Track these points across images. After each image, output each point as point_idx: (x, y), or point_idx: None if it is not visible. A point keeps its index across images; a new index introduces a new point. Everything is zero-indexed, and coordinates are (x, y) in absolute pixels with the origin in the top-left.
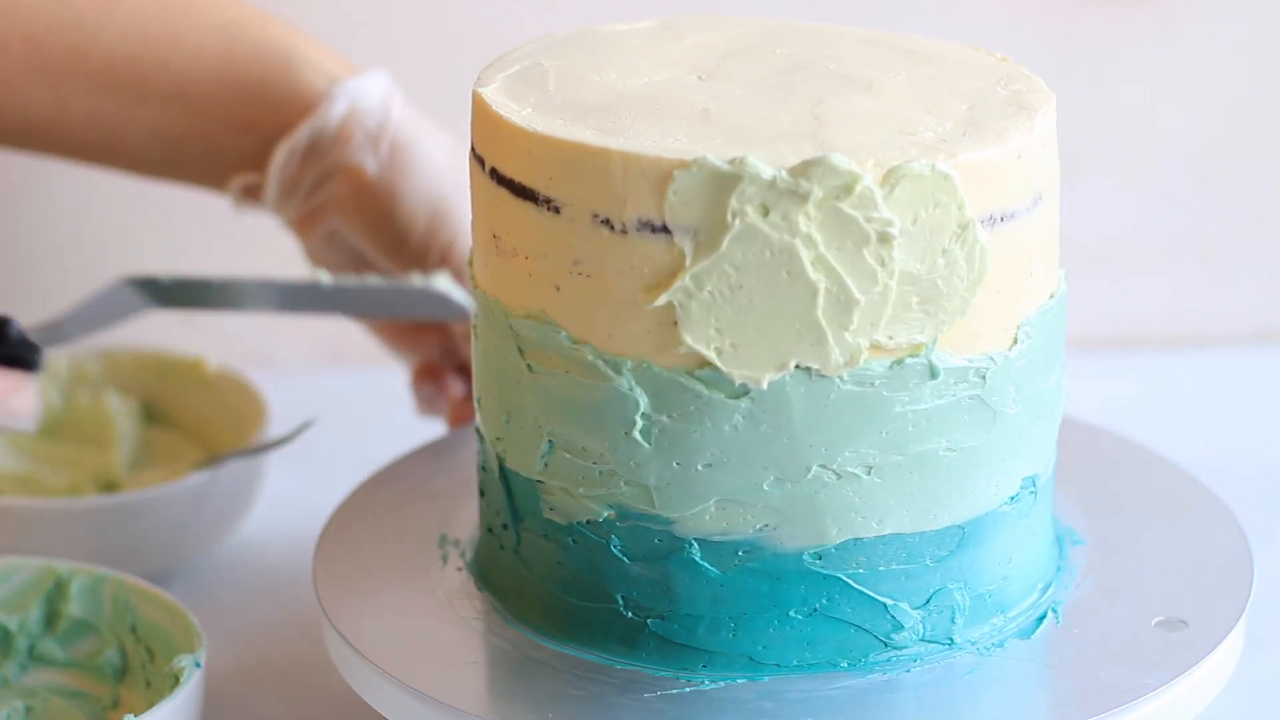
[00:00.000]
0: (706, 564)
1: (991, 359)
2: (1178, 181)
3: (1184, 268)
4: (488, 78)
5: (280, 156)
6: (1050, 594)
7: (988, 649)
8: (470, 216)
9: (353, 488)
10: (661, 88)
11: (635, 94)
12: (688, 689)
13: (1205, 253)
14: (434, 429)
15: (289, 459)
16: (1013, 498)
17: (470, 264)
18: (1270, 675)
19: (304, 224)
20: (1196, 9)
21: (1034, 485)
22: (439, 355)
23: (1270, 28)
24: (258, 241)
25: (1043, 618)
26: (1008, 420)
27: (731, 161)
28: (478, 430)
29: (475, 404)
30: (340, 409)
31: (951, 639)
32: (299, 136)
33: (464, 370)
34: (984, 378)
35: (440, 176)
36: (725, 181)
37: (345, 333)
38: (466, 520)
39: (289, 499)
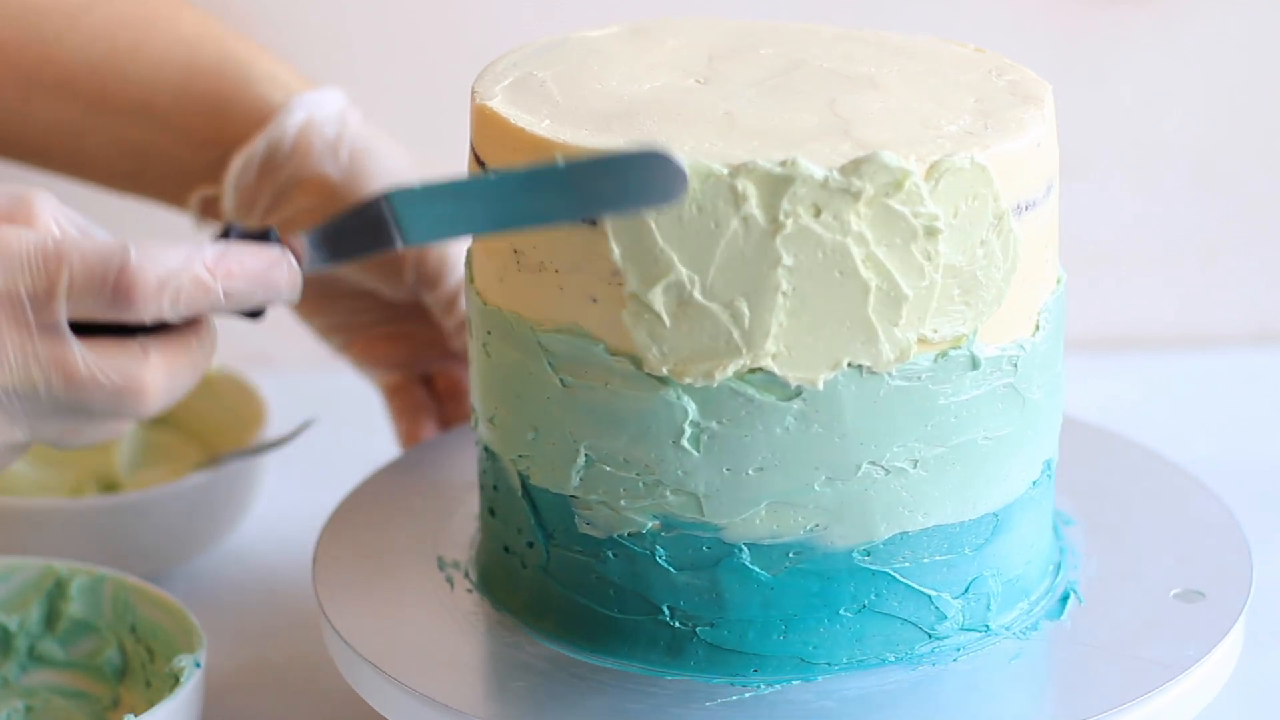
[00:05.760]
0: (756, 568)
1: (1021, 346)
2: (1178, 182)
3: (1184, 268)
4: (486, 91)
5: (237, 165)
6: (1062, 575)
7: (1024, 633)
8: None
9: (353, 488)
10: (666, 93)
11: (645, 100)
12: (746, 694)
13: (1205, 253)
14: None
15: (289, 459)
16: (1035, 482)
17: (471, 282)
18: (1270, 675)
19: None
20: (1196, 9)
21: (1049, 469)
22: (404, 366)
23: (1270, 28)
24: None
25: (1065, 599)
26: (1034, 406)
27: (783, 163)
28: (487, 450)
29: (488, 423)
30: (340, 409)
31: (987, 625)
32: (256, 146)
33: (428, 379)
34: (1015, 365)
35: (405, 176)
36: (776, 184)
37: None
38: (466, 521)
39: (289, 499)
